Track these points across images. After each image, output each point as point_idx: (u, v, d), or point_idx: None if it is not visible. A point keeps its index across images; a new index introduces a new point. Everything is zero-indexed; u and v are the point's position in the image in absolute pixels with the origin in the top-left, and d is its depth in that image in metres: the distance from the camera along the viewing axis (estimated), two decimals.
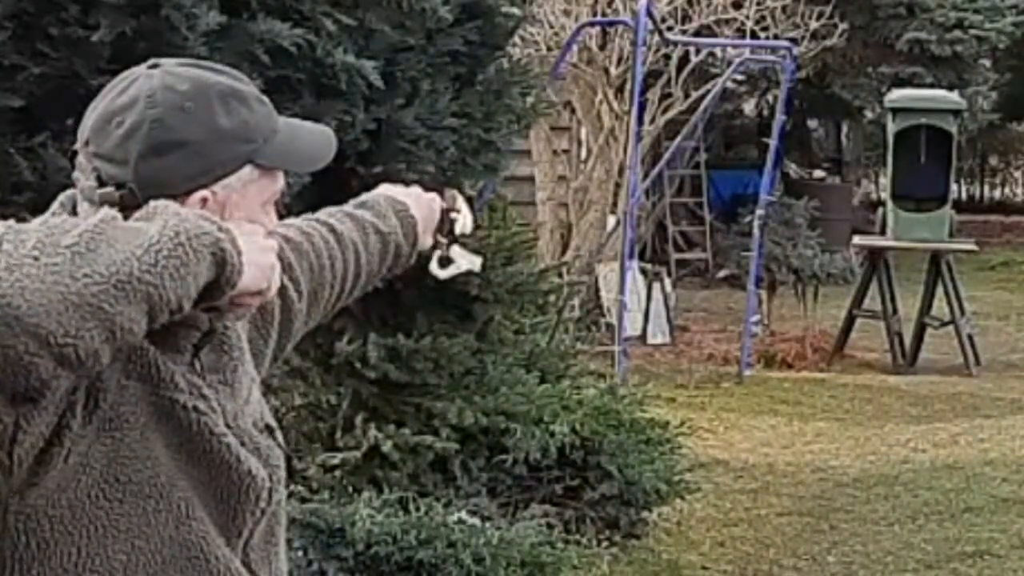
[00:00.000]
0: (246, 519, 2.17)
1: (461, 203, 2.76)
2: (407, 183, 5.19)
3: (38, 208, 3.99)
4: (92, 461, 2.01)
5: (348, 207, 2.65)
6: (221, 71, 2.17)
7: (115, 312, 1.83)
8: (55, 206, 2.15)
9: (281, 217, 2.33)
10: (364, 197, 2.68)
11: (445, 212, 2.71)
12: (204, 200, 2.09)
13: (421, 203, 2.68)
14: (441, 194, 2.73)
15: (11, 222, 1.89)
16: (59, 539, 2.02)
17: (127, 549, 2.06)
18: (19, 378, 1.82)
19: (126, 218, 2.00)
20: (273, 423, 2.30)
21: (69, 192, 2.15)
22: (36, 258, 1.81)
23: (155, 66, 2.12)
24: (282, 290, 2.40)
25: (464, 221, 2.72)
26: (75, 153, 2.14)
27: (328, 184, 4.01)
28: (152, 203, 1.99)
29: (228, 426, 2.16)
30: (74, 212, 2.11)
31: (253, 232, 2.05)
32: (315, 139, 2.30)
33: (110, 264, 1.84)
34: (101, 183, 2.07)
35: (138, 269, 1.85)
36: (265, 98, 2.20)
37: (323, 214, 2.62)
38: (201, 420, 2.11)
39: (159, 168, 2.05)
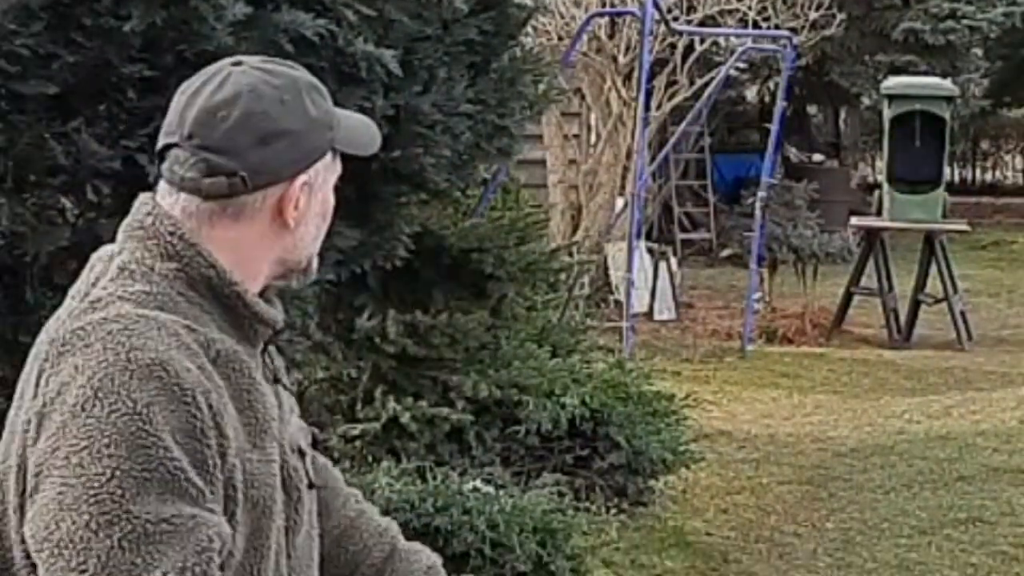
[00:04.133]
0: (294, 523, 2.19)
1: None
2: (424, 167, 5.28)
3: (71, 190, 4.09)
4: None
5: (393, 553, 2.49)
6: (293, 66, 2.22)
7: None
8: (139, 208, 2.14)
9: None
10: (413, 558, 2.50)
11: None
12: (305, 184, 2.15)
13: None
14: None
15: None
16: None
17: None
18: None
19: (228, 205, 2.09)
20: (307, 448, 2.29)
21: (152, 196, 2.16)
22: None
23: (238, 63, 2.17)
24: None
25: None
26: (165, 147, 2.15)
27: (347, 167, 4.12)
28: None
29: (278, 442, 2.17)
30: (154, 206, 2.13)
31: None
32: (363, 125, 2.34)
33: None
34: (210, 173, 2.11)
35: None
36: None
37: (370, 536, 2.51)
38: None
39: (267, 156, 2.11)
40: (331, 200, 2.25)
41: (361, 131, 2.32)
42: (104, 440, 1.91)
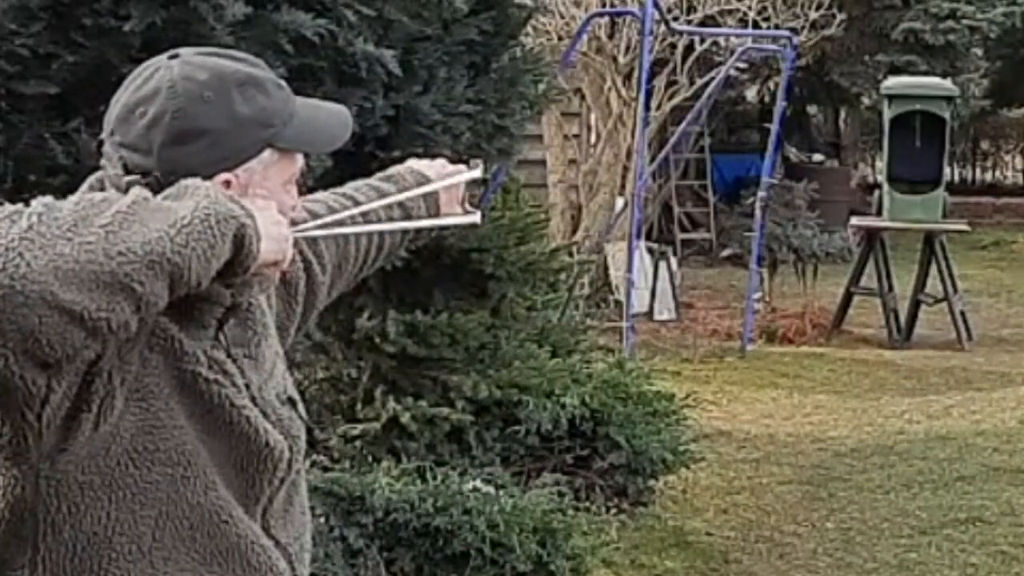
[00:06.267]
0: (264, 487, 2.21)
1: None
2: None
3: (71, 190, 4.08)
4: (122, 431, 2.05)
5: (374, 180, 2.66)
6: (239, 58, 2.19)
7: (145, 289, 1.88)
8: (84, 187, 2.16)
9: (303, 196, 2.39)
10: (390, 170, 2.69)
11: (470, 182, 2.70)
12: (227, 182, 2.11)
13: (446, 175, 2.67)
14: (467, 165, 2.72)
15: (49, 199, 1.91)
16: (89, 504, 2.06)
17: (155, 514, 2.09)
18: (53, 348, 1.86)
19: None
20: (295, 396, 2.32)
21: (98, 174, 2.17)
22: (70, 238, 1.84)
23: (175, 56, 2.15)
24: (307, 265, 2.48)
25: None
26: (101, 142, 2.17)
27: (349, 167, 4.06)
28: (183, 181, 2.02)
29: (252, 399, 2.19)
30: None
31: (266, 207, 2.07)
32: (332, 120, 2.31)
33: (144, 243, 1.87)
34: (127, 171, 2.10)
35: (170, 249, 1.89)
36: (283, 83, 2.21)
37: (349, 188, 2.64)
38: (222, 393, 2.14)
39: (182, 156, 2.08)
40: (286, 199, 2.21)
41: (324, 127, 2.30)
42: None
